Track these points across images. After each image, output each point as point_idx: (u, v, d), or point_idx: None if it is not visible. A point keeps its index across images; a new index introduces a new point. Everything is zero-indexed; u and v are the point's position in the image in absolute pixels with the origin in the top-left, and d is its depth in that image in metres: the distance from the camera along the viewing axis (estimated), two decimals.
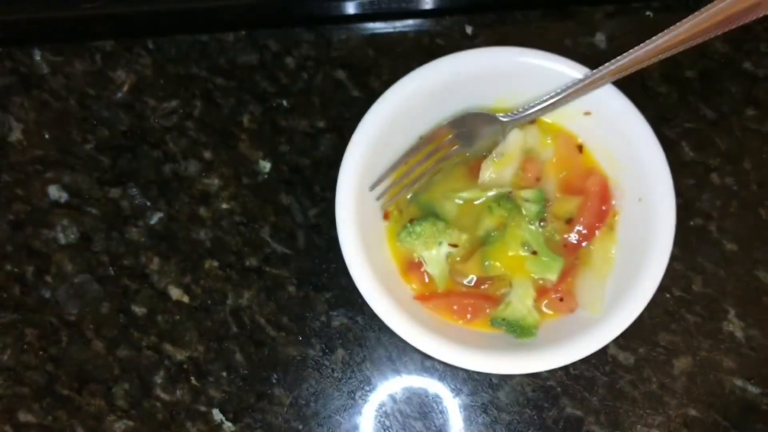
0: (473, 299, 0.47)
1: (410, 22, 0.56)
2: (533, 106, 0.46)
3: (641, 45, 0.43)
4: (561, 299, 0.47)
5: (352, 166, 0.45)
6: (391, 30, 0.56)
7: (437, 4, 0.55)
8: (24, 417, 0.50)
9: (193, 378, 0.50)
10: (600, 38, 0.55)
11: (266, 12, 0.55)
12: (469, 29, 0.56)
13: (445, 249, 0.47)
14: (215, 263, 0.52)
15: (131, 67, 0.55)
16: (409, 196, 0.48)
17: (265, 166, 0.53)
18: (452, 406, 0.50)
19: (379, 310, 0.44)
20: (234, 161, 0.53)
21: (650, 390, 0.50)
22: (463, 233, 0.48)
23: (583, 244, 0.48)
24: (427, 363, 0.51)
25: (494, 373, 0.46)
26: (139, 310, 0.51)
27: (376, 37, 0.56)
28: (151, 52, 0.55)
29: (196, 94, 0.54)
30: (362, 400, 0.50)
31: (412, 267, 0.48)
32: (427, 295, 0.48)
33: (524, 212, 0.47)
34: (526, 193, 0.48)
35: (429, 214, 0.48)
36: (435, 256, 0.48)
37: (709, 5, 0.41)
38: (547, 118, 0.49)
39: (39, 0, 0.51)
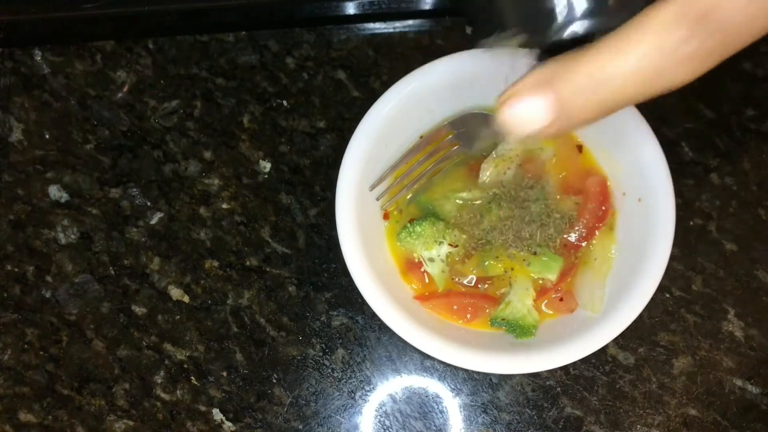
0: (473, 299, 0.48)
1: (410, 22, 0.56)
2: None
3: None
4: (561, 299, 0.47)
5: (352, 166, 0.46)
6: (391, 30, 0.56)
7: (437, 5, 0.55)
8: (24, 417, 0.50)
9: (193, 378, 0.50)
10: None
11: (266, 12, 0.56)
12: (469, 29, 0.56)
13: (445, 249, 0.48)
14: (215, 263, 0.52)
15: (132, 67, 0.55)
16: (409, 197, 0.48)
17: (266, 166, 0.54)
18: (452, 406, 0.50)
19: (379, 310, 0.44)
20: (234, 161, 0.54)
21: (650, 390, 0.50)
22: (463, 233, 0.48)
23: (583, 244, 0.48)
24: (427, 363, 0.51)
25: (494, 373, 0.46)
26: (139, 309, 0.51)
27: (376, 37, 0.56)
28: (152, 53, 0.55)
29: (197, 95, 0.55)
30: (362, 399, 0.50)
31: (412, 267, 0.48)
32: (427, 295, 0.48)
33: (524, 212, 0.47)
34: (527, 193, 0.48)
35: (429, 214, 0.48)
36: (435, 256, 0.48)
37: None
38: None
39: (40, 1, 0.51)
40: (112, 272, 0.52)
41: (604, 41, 0.23)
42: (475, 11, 0.28)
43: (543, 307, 0.48)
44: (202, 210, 0.53)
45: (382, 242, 0.49)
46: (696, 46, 0.22)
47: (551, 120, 0.24)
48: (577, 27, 0.24)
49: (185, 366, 0.51)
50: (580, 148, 0.49)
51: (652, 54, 0.22)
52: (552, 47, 0.25)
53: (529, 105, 0.25)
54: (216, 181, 0.53)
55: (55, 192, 0.53)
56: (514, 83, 0.25)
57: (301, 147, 0.54)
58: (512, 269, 0.47)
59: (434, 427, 0.50)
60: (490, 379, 0.50)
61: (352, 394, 0.50)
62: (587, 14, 0.23)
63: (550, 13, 0.24)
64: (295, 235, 0.53)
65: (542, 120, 0.25)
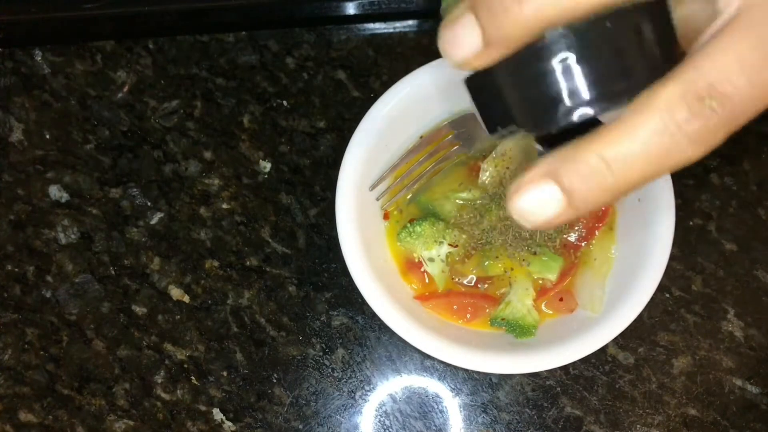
0: (473, 299, 0.48)
1: (410, 22, 0.56)
2: None
3: None
4: (561, 299, 0.47)
5: (352, 166, 0.46)
6: (391, 30, 0.56)
7: (437, 5, 0.55)
8: (25, 416, 0.50)
9: (193, 377, 0.50)
10: None
11: (266, 12, 0.56)
12: None
13: (445, 249, 0.48)
14: (216, 263, 0.52)
15: (132, 67, 0.55)
16: (409, 197, 0.48)
17: (266, 166, 0.54)
18: (452, 406, 0.50)
19: (379, 310, 0.44)
20: (234, 161, 0.54)
21: (650, 389, 0.50)
22: (463, 233, 0.48)
23: (583, 244, 0.48)
24: (427, 363, 0.51)
25: (494, 373, 0.46)
26: (139, 309, 0.51)
27: (376, 37, 0.56)
28: (152, 53, 0.55)
29: (197, 95, 0.55)
30: (362, 399, 0.50)
31: (412, 267, 0.48)
32: (427, 295, 0.48)
33: None
34: None
35: (429, 214, 0.48)
36: (435, 256, 0.48)
37: None
38: None
39: (40, 1, 0.51)
40: (113, 272, 0.52)
41: (609, 125, 0.23)
42: (482, 107, 0.28)
43: (543, 307, 0.48)
44: (202, 210, 0.53)
45: (382, 242, 0.49)
46: (700, 124, 0.22)
47: (562, 209, 0.24)
48: (582, 112, 0.24)
49: (185, 366, 0.51)
50: None
51: (657, 134, 0.22)
52: (560, 135, 0.25)
53: (538, 195, 0.24)
54: (216, 181, 0.53)
55: (55, 192, 0.53)
56: (522, 174, 0.25)
57: (301, 147, 0.54)
58: (512, 269, 0.47)
59: (434, 427, 0.50)
60: (490, 379, 0.50)
61: (352, 394, 0.50)
62: (592, 100, 0.23)
63: (555, 102, 0.24)
64: (295, 235, 0.53)
65: (553, 210, 0.24)
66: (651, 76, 0.23)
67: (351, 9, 0.54)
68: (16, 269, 0.52)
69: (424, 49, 0.55)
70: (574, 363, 0.47)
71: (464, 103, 0.49)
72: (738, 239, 0.52)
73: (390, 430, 0.50)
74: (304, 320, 0.51)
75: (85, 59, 0.55)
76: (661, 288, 0.49)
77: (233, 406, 0.50)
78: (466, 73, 0.28)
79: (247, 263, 0.52)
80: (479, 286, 0.48)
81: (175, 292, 0.52)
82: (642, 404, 0.50)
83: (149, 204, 0.53)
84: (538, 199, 0.24)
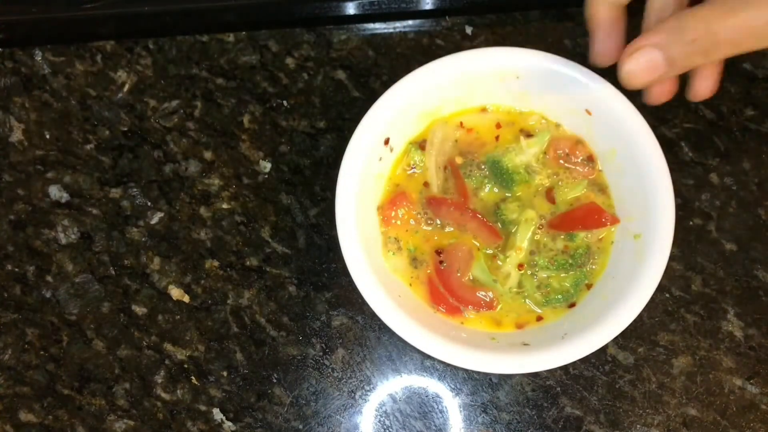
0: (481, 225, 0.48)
1: (410, 22, 0.56)
2: None
3: None
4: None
5: (352, 167, 0.46)
6: (391, 30, 0.56)
7: (437, 5, 0.55)
8: (25, 416, 0.50)
9: (193, 377, 0.50)
10: None
11: (266, 12, 0.56)
12: (469, 29, 0.56)
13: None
14: (216, 263, 0.52)
15: (132, 67, 0.55)
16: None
17: (266, 166, 0.54)
18: (452, 406, 0.50)
19: (379, 310, 0.44)
20: (234, 161, 0.54)
21: (650, 389, 0.50)
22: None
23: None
24: (427, 363, 0.51)
25: (494, 373, 0.46)
26: (139, 309, 0.51)
27: (376, 37, 0.56)
28: (152, 53, 0.55)
29: (197, 95, 0.55)
30: (362, 399, 0.50)
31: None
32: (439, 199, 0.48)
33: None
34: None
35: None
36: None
37: None
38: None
39: (40, 1, 0.51)
40: (113, 272, 0.52)
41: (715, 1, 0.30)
42: None
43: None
44: (202, 210, 0.53)
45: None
46: None
47: (664, 71, 0.34)
48: None
49: (185, 366, 0.51)
50: (590, 158, 0.49)
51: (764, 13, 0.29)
52: None
53: (646, 59, 0.34)
54: (216, 181, 0.53)
55: (55, 192, 0.53)
56: (637, 39, 0.34)
57: (301, 147, 0.54)
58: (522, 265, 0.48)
59: (434, 427, 0.50)
60: (490, 379, 0.50)
61: (352, 394, 0.50)
62: None
63: None
64: (295, 235, 0.53)
65: (656, 71, 0.34)
66: None
67: (351, 9, 0.54)
68: (16, 269, 0.52)
69: (424, 49, 0.55)
70: (574, 363, 0.47)
71: (465, 103, 0.49)
72: (738, 239, 0.52)
73: (390, 430, 0.50)
74: (304, 320, 0.51)
75: (85, 59, 0.55)
76: (661, 288, 0.49)
77: (233, 406, 0.50)
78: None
79: (247, 263, 0.52)
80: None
81: (175, 292, 0.52)
82: (642, 404, 0.50)
83: (149, 204, 0.53)
84: (647, 61, 0.35)
